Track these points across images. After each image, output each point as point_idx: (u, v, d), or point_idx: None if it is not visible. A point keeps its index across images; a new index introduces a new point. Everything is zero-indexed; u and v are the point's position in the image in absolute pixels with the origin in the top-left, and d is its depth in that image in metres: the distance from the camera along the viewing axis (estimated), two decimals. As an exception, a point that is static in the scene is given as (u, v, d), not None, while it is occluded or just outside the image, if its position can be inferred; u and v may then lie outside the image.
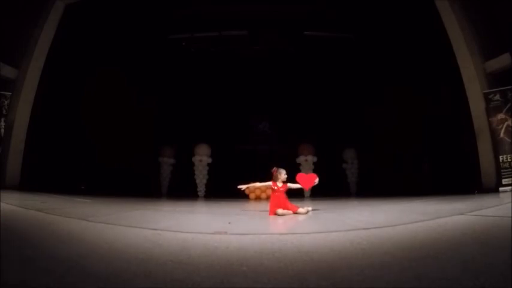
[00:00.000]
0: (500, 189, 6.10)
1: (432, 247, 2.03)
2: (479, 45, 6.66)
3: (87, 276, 1.47)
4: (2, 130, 6.73)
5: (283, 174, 4.51)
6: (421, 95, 9.15)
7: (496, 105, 6.41)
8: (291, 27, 9.32)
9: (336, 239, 2.32)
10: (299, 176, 4.87)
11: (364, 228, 2.72)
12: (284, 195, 4.45)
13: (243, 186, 4.75)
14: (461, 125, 7.32)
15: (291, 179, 4.74)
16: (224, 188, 10.41)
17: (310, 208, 4.58)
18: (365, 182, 10.80)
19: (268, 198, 9.61)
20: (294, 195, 10.36)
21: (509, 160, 6.20)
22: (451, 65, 7.13)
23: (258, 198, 9.57)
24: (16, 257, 1.71)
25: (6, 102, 6.83)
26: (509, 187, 6.02)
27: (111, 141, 9.65)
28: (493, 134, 6.45)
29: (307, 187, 4.74)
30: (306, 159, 10.50)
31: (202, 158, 10.55)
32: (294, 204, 4.46)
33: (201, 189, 10.63)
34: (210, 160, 10.64)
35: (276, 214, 4.15)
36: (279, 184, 4.47)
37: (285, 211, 4.22)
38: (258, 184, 4.66)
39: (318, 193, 10.24)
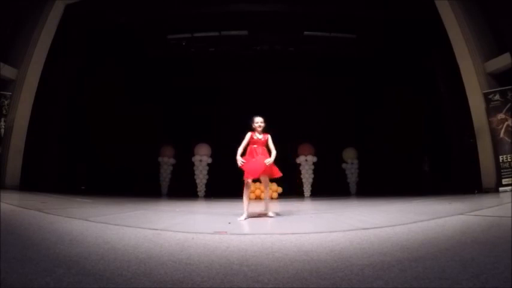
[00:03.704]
0: (500, 189, 6.11)
1: (432, 247, 2.04)
2: (479, 45, 6.66)
3: (87, 276, 1.47)
4: (2, 130, 6.72)
5: (259, 122, 4.02)
6: (421, 95, 9.16)
7: (496, 105, 6.41)
8: (291, 27, 9.31)
9: (336, 239, 2.32)
10: (245, 164, 3.85)
11: (364, 228, 2.72)
12: (265, 150, 3.95)
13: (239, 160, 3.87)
14: (461, 125, 7.32)
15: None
16: (224, 188, 10.42)
17: (271, 213, 4.09)
18: (365, 182, 10.80)
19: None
20: (294, 195, 10.37)
21: (509, 160, 6.20)
22: (451, 65, 7.13)
23: (258, 198, 9.57)
24: (16, 257, 1.72)
25: (6, 102, 6.83)
26: (509, 187, 6.03)
27: (111, 141, 9.65)
28: (493, 134, 6.45)
29: (255, 175, 3.84)
30: (306, 159, 10.49)
31: (202, 158, 10.54)
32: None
33: (201, 189, 10.63)
34: (210, 160, 10.64)
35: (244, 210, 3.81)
36: (259, 135, 4.00)
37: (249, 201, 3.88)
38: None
39: (318, 193, 10.26)
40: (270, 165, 3.89)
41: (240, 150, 3.95)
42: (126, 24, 8.70)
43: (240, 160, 3.86)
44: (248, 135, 4.04)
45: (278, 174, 4.07)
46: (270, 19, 8.77)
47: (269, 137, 4.09)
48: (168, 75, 11.28)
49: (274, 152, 3.97)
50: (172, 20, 8.88)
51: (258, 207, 5.14)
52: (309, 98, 11.55)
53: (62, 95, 8.23)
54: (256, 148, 3.98)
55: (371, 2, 7.96)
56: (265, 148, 4.02)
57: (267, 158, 3.89)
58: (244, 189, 3.94)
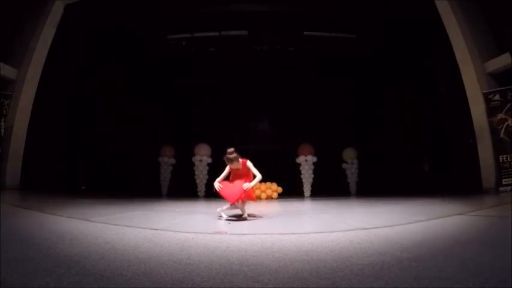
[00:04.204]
0: (500, 189, 6.11)
1: (432, 247, 2.04)
2: (479, 45, 6.66)
3: (87, 276, 1.47)
4: (2, 130, 6.72)
5: (230, 164, 3.80)
6: (421, 95, 9.16)
7: (496, 105, 6.41)
8: (291, 27, 9.31)
9: (336, 239, 2.32)
10: (223, 189, 3.81)
11: (364, 228, 2.72)
12: (249, 177, 3.83)
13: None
14: (461, 125, 7.32)
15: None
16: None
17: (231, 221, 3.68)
18: (365, 182, 10.80)
19: (268, 198, 9.68)
20: (293, 195, 10.36)
21: (509, 160, 6.20)
22: (451, 65, 7.13)
23: (257, 198, 9.57)
24: (16, 257, 1.72)
25: (6, 102, 6.83)
26: (509, 187, 6.02)
27: (111, 141, 9.65)
28: (493, 134, 6.45)
29: (233, 200, 3.68)
30: (306, 159, 10.49)
31: (202, 158, 10.53)
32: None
33: (201, 189, 10.61)
34: (210, 160, 10.63)
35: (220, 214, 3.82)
36: (237, 166, 3.83)
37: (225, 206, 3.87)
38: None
39: (318, 193, 10.25)
40: (248, 189, 3.73)
41: (220, 179, 3.88)
42: (126, 24, 8.70)
43: (217, 185, 3.79)
44: (226, 169, 3.92)
45: (254, 199, 4.12)
46: (270, 19, 8.77)
47: (247, 163, 3.86)
48: (168, 75, 11.27)
49: (259, 176, 3.79)
50: (172, 20, 8.88)
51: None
52: (309, 98, 11.53)
53: (62, 95, 8.23)
54: (238, 179, 3.85)
55: (371, 2, 7.96)
56: (250, 175, 3.84)
57: (246, 182, 3.74)
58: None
